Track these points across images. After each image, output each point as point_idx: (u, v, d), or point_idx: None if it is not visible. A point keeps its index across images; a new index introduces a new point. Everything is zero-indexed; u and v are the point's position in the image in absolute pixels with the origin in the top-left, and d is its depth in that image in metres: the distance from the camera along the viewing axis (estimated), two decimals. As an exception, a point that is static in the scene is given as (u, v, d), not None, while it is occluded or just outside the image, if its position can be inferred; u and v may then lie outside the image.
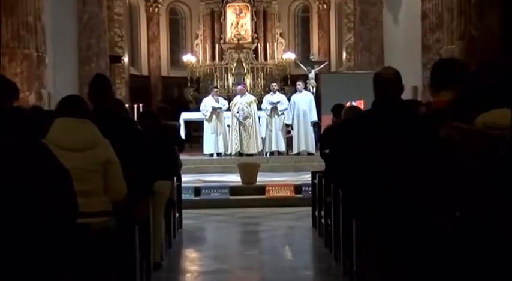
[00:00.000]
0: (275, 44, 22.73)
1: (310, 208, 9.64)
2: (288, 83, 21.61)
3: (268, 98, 16.12)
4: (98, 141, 4.13)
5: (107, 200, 4.17)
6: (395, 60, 14.34)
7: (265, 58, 22.27)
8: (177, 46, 23.30)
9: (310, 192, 10.19)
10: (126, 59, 19.50)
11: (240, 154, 15.54)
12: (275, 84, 17.28)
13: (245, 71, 21.57)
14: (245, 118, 15.53)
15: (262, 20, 22.66)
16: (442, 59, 3.66)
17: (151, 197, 6.21)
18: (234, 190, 12.06)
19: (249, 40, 22.28)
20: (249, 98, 15.97)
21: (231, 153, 15.79)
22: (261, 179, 12.67)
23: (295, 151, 15.88)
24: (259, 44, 22.18)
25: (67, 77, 14.08)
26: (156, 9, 22.72)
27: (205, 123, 15.99)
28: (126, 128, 5.12)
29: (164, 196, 7.11)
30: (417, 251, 2.69)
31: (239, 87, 16.66)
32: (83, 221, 3.38)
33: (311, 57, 22.04)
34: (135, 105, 16.82)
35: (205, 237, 9.64)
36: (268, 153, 15.99)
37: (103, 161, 4.09)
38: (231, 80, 21.42)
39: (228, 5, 22.44)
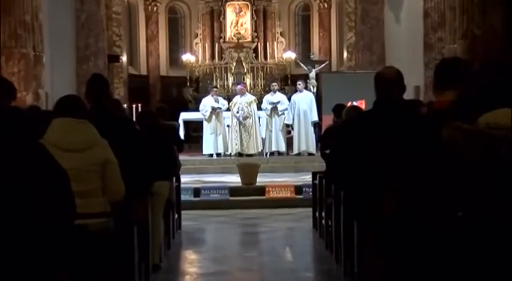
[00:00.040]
0: (275, 43, 22.74)
1: (310, 209, 9.64)
2: (289, 82, 21.62)
3: (268, 98, 16.12)
4: (96, 141, 4.13)
5: (105, 201, 4.17)
6: (396, 59, 14.35)
7: (265, 57, 22.28)
8: (176, 45, 23.32)
9: (310, 193, 10.19)
10: (124, 58, 19.51)
11: (239, 154, 15.54)
12: (275, 83, 17.28)
13: (245, 70, 21.58)
14: (245, 118, 15.54)
15: (262, 18, 22.68)
16: (445, 59, 3.67)
17: (149, 197, 6.21)
18: (233, 190, 12.06)
19: (249, 39, 22.29)
20: (249, 98, 15.97)
21: (230, 153, 15.79)
22: (261, 179, 12.67)
23: (295, 151, 15.88)
24: (259, 43, 22.19)
25: (65, 76, 14.08)
26: (155, 8, 22.73)
27: (205, 123, 16.00)
28: (124, 128, 5.13)
29: (163, 196, 7.11)
30: (418, 253, 2.70)
31: (239, 87, 16.66)
32: (81, 223, 3.38)
33: (312, 56, 22.05)
34: (134, 105, 16.84)
35: (205, 238, 9.64)
36: (268, 153, 16.00)
37: (101, 161, 4.09)
38: (230, 79, 21.43)
39: (228, 3, 22.45)
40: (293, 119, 15.71)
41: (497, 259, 2.34)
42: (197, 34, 22.90)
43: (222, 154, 15.95)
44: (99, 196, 4.12)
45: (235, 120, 15.61)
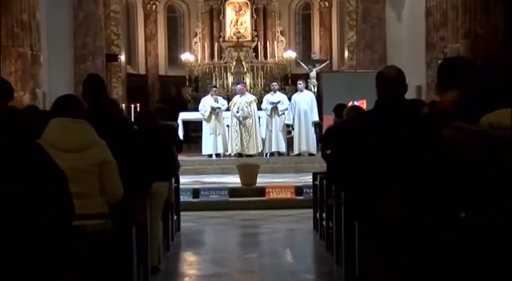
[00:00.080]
0: (275, 42, 22.74)
1: (311, 210, 9.64)
2: (289, 82, 21.62)
3: (269, 98, 16.12)
4: (94, 141, 4.14)
5: (103, 202, 4.17)
6: (398, 58, 14.36)
7: (265, 57, 22.29)
8: (175, 44, 23.32)
9: (311, 194, 10.19)
10: (122, 57, 19.51)
11: (239, 154, 15.55)
12: (275, 83, 17.28)
13: (245, 70, 21.58)
14: (245, 118, 15.54)
15: (262, 17, 22.67)
16: (448, 58, 3.67)
17: (148, 198, 6.22)
18: (233, 191, 12.06)
19: (249, 38, 22.29)
20: (249, 97, 15.97)
21: (230, 154, 15.79)
22: (261, 180, 12.67)
23: (296, 151, 15.88)
24: (259, 42, 22.19)
25: (62, 76, 14.08)
26: (154, 7, 22.73)
27: (204, 123, 15.99)
28: (122, 128, 5.14)
29: (162, 197, 7.11)
30: (420, 254, 2.70)
31: (239, 86, 16.66)
32: (79, 224, 3.39)
33: (312, 55, 22.04)
34: (132, 105, 16.83)
35: (204, 240, 9.64)
36: (268, 154, 15.99)
37: (99, 162, 4.10)
38: (230, 79, 21.43)
39: (228, 2, 22.45)
40: (293, 119, 15.70)
41: (497, 259, 2.35)
42: (196, 33, 22.90)
43: (222, 155, 15.95)
44: (97, 196, 4.13)
45: (235, 120, 15.61)
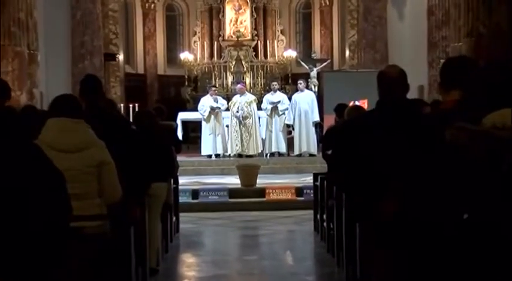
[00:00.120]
0: (276, 42, 22.75)
1: (312, 212, 9.64)
2: (289, 81, 21.63)
3: (269, 98, 16.11)
4: (92, 142, 4.14)
5: (102, 203, 4.17)
6: (400, 58, 14.36)
7: (266, 56, 22.29)
8: (174, 43, 23.32)
9: (312, 195, 10.19)
10: (121, 56, 19.51)
11: (239, 155, 15.55)
12: (275, 83, 17.27)
13: (244, 69, 21.58)
14: (244, 118, 15.54)
15: (262, 16, 22.68)
16: (451, 58, 3.68)
17: (147, 200, 6.22)
18: (233, 192, 12.06)
19: (249, 37, 22.29)
20: (249, 97, 15.96)
21: (230, 154, 15.79)
22: (261, 181, 12.67)
23: (296, 152, 15.88)
24: (259, 42, 22.20)
25: (60, 75, 14.09)
26: (152, 5, 22.74)
27: (203, 123, 15.99)
28: (120, 128, 5.14)
29: (160, 198, 7.11)
30: (421, 255, 2.70)
31: (238, 86, 16.65)
32: (77, 225, 3.39)
33: (313, 55, 22.04)
34: (131, 105, 16.83)
35: (203, 242, 9.64)
36: (268, 154, 15.99)
37: (97, 162, 4.10)
38: (229, 78, 21.44)
39: (227, 1, 22.46)
40: (294, 119, 15.70)
41: (500, 260, 2.35)
42: (195, 32, 22.91)
43: (221, 155, 15.95)
44: (95, 198, 4.13)
45: (234, 120, 15.61)
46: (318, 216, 8.99)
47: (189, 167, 14.47)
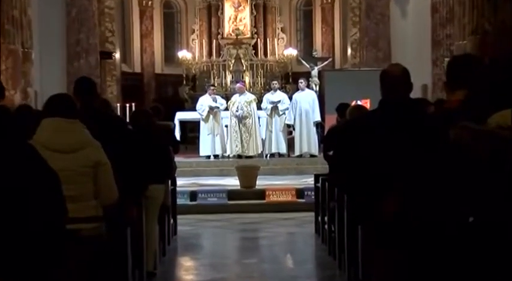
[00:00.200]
0: (276, 40, 22.75)
1: (313, 214, 9.65)
2: (290, 80, 21.63)
3: (269, 97, 16.12)
4: (88, 142, 4.14)
5: (98, 204, 4.18)
6: (403, 56, 14.36)
7: (266, 54, 22.29)
8: (171, 42, 23.32)
9: (313, 196, 10.20)
10: (117, 55, 19.51)
11: (238, 156, 15.55)
12: (276, 82, 17.27)
13: (244, 68, 21.59)
14: (244, 118, 15.54)
15: (262, 13, 22.68)
16: (456, 56, 3.68)
17: (144, 201, 6.23)
18: (232, 194, 12.06)
19: (248, 35, 22.29)
20: (249, 97, 15.96)
21: (229, 155, 15.79)
22: (261, 182, 12.68)
23: (297, 153, 15.88)
24: (258, 40, 22.20)
25: (55, 74, 14.09)
26: (150, 3, 22.74)
27: (202, 123, 15.99)
28: (116, 128, 5.16)
29: (158, 200, 7.12)
30: (423, 257, 2.71)
31: (238, 85, 16.65)
32: (73, 228, 3.39)
33: (314, 53, 22.06)
34: (127, 105, 16.83)
35: (202, 244, 9.65)
36: (268, 155, 16.00)
37: (93, 163, 4.10)
38: (229, 77, 21.44)
39: (226, -3, 22.48)
40: (294, 119, 15.70)
41: (501, 261, 2.36)
42: (194, 30, 22.91)
43: (220, 156, 15.95)
44: (91, 199, 4.13)
45: (234, 120, 15.60)
46: (319, 218, 9.00)
47: (187, 168, 14.48)
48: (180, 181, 10.76)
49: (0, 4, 10.84)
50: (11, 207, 2.50)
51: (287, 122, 15.89)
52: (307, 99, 15.78)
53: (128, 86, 20.64)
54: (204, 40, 22.45)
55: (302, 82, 16.23)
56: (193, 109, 16.81)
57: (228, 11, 22.48)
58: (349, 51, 19.96)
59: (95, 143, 4.17)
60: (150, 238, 6.70)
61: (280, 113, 15.86)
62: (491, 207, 2.36)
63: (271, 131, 15.95)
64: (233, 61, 21.62)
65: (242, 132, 15.57)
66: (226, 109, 15.92)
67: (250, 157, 15.50)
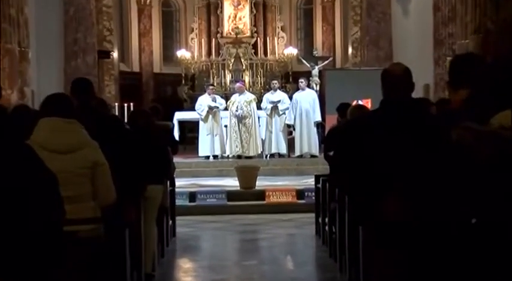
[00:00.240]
0: (276, 39, 22.75)
1: (313, 215, 9.65)
2: (290, 80, 21.63)
3: (269, 97, 16.12)
4: (85, 142, 4.14)
5: (96, 205, 4.18)
6: (404, 55, 14.36)
7: (265, 53, 22.30)
8: (170, 41, 23.33)
9: (313, 197, 10.21)
10: (115, 54, 19.51)
11: (238, 156, 15.55)
12: (276, 81, 17.28)
13: (244, 67, 21.60)
14: (244, 118, 15.54)
15: (262, 12, 22.68)
16: (459, 55, 3.68)
17: (142, 202, 6.23)
18: (231, 195, 12.07)
19: (248, 34, 22.30)
20: (249, 96, 15.97)
21: (228, 155, 15.79)
22: (261, 183, 12.69)
23: (297, 153, 15.89)
24: (258, 39, 22.20)
25: (52, 73, 14.09)
26: (148, 1, 22.74)
27: (201, 123, 16.00)
28: (113, 127, 5.17)
29: (156, 201, 7.12)
30: (424, 258, 2.72)
31: (238, 84, 16.66)
32: (70, 229, 3.39)
33: (314, 52, 22.07)
34: (125, 104, 16.83)
35: (201, 246, 9.65)
36: (268, 155, 16.00)
37: (91, 163, 4.11)
38: (228, 77, 21.45)
39: (225, -4, 22.48)
40: (295, 119, 15.71)
41: (504, 261, 2.36)
42: (193, 29, 22.91)
43: (219, 156, 15.96)
44: (89, 200, 4.13)
45: (233, 120, 15.60)
46: (320, 219, 9.01)
47: (186, 169, 14.49)
48: (179, 182, 10.76)
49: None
50: (8, 208, 2.50)
51: (287, 122, 15.89)
52: (307, 99, 15.79)
53: (126, 85, 20.63)
54: (203, 39, 22.45)
55: (302, 82, 16.23)
56: (192, 109, 16.81)
57: (228, 9, 22.48)
58: (350, 50, 19.96)
59: (92, 144, 4.17)
60: (148, 240, 6.70)
61: (280, 113, 15.87)
62: (493, 207, 2.36)
63: (271, 131, 15.95)
64: (233, 60, 21.63)
65: (242, 132, 15.57)
66: (226, 109, 15.92)
67: (250, 157, 15.51)
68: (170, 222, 9.00)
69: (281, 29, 22.95)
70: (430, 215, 2.61)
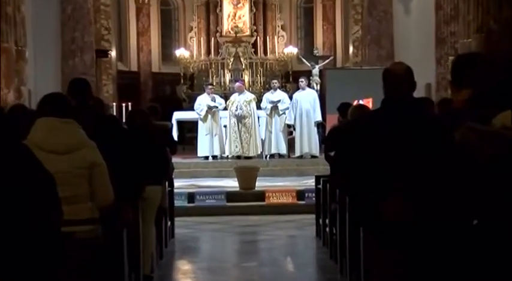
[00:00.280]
0: (276, 38, 22.75)
1: (313, 216, 9.66)
2: (290, 79, 21.63)
3: (268, 96, 16.12)
4: (83, 142, 4.14)
5: (93, 206, 4.18)
6: (406, 54, 14.37)
7: (265, 53, 22.29)
8: (169, 39, 23.32)
9: (313, 198, 10.21)
10: (113, 53, 19.51)
11: (237, 156, 15.55)
12: (276, 81, 17.28)
13: (243, 66, 21.59)
14: (243, 118, 15.54)
15: (261, 11, 22.68)
16: (461, 54, 3.68)
17: (140, 203, 6.23)
18: (230, 196, 12.07)
19: (248, 33, 22.29)
20: (248, 96, 15.97)
21: (227, 156, 15.79)
22: (260, 184, 12.69)
23: (297, 153, 15.89)
24: (258, 38, 22.20)
25: (49, 72, 14.09)
26: (146, 0, 22.75)
27: (200, 123, 16.00)
28: (111, 127, 5.18)
29: (154, 202, 7.12)
30: (424, 258, 2.72)
31: (237, 84, 16.66)
32: (68, 230, 3.39)
33: (315, 51, 22.07)
34: (124, 104, 16.83)
35: (200, 247, 9.65)
36: (268, 156, 16.00)
37: (89, 164, 4.10)
38: (227, 76, 21.44)
39: (225, -6, 22.48)
40: (295, 119, 15.71)
41: (504, 262, 2.37)
42: (192, 27, 22.90)
43: (219, 157, 15.96)
44: (86, 201, 4.13)
45: (233, 120, 15.60)
46: (320, 220, 9.01)
47: (185, 169, 14.49)
48: (177, 183, 10.76)
49: (-8, 1, 10.84)
50: (5, 209, 2.50)
51: (287, 122, 15.89)
52: (308, 98, 15.79)
53: (124, 85, 20.63)
54: (202, 38, 22.44)
55: (303, 81, 16.23)
56: (191, 109, 16.82)
57: (227, 8, 22.48)
58: (351, 49, 19.97)
59: (90, 144, 4.17)
60: (146, 241, 6.70)
61: (280, 112, 15.87)
62: (495, 208, 2.36)
63: (271, 132, 15.95)
64: (232, 59, 21.62)
65: (242, 132, 15.57)
66: (225, 109, 15.92)
67: (250, 157, 15.51)
68: (169, 223, 9.00)
69: (281, 28, 22.95)
70: (430, 216, 2.61)
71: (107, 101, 15.86)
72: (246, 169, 13.00)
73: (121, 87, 20.12)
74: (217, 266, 8.07)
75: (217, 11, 22.49)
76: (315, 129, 15.83)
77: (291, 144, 16.17)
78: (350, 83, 14.37)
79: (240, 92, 15.93)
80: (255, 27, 22.42)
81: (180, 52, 21.65)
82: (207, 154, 15.90)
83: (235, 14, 22.47)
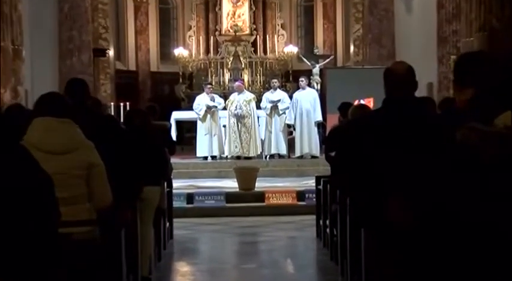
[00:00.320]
0: (276, 36, 22.77)
1: (314, 217, 9.66)
2: (290, 79, 21.66)
3: (268, 96, 16.12)
4: (81, 142, 4.14)
5: (91, 207, 4.18)
6: (407, 53, 14.38)
7: (265, 52, 22.31)
8: (167, 38, 23.33)
9: (314, 199, 10.21)
10: (111, 52, 19.52)
11: (237, 157, 15.55)
12: (276, 80, 17.28)
13: (243, 66, 21.61)
14: (243, 117, 15.54)
15: (261, 9, 22.70)
16: (465, 53, 3.69)
17: (138, 204, 6.23)
18: (230, 196, 12.07)
19: (247, 32, 22.31)
20: (248, 95, 15.97)
21: (227, 156, 15.79)
22: (260, 184, 12.69)
23: (297, 154, 15.89)
24: (258, 36, 22.22)
25: (46, 72, 14.09)
26: (145, -2, 22.77)
27: (199, 123, 16.00)
28: (109, 127, 5.18)
29: (153, 203, 7.12)
30: (425, 259, 2.72)
31: (237, 83, 16.66)
32: (65, 231, 3.39)
33: (315, 50, 22.08)
34: (122, 104, 16.84)
35: (199, 249, 9.65)
36: (267, 156, 16.00)
37: (86, 164, 4.10)
38: (227, 75, 21.46)
39: (224, -7, 22.49)
40: (295, 118, 15.71)
41: (505, 262, 2.37)
42: (191, 26, 22.92)
43: (218, 157, 15.96)
44: (84, 202, 4.13)
45: (232, 120, 15.60)
46: (321, 221, 9.01)
47: (184, 170, 14.49)
48: (176, 183, 10.76)
49: (-11, 0, 10.84)
50: (3, 210, 2.50)
51: (287, 121, 15.89)
52: (308, 98, 15.79)
53: (122, 84, 20.65)
54: (201, 37, 22.46)
55: (303, 80, 16.23)
56: (190, 108, 16.82)
57: (226, 6, 22.49)
58: (351, 48, 19.98)
59: (88, 144, 4.17)
60: (145, 242, 6.70)
61: (280, 112, 15.87)
62: (496, 208, 2.37)
63: (270, 132, 15.95)
64: (231, 59, 21.64)
65: (242, 132, 15.57)
66: (225, 108, 15.92)
67: (249, 158, 15.51)
68: (167, 224, 9.00)
69: (281, 27, 22.97)
70: (430, 216, 2.61)
71: (105, 100, 15.88)
72: (246, 169, 13.01)
73: (119, 87, 20.13)
74: (217, 268, 8.08)
75: (217, 9, 22.51)
76: (315, 129, 15.83)
77: (291, 144, 16.17)
78: (351, 83, 14.37)
79: (240, 91, 15.93)
80: (254, 26, 22.43)
81: (179, 51, 21.66)
82: (206, 154, 15.90)
83: (234, 13, 22.49)
